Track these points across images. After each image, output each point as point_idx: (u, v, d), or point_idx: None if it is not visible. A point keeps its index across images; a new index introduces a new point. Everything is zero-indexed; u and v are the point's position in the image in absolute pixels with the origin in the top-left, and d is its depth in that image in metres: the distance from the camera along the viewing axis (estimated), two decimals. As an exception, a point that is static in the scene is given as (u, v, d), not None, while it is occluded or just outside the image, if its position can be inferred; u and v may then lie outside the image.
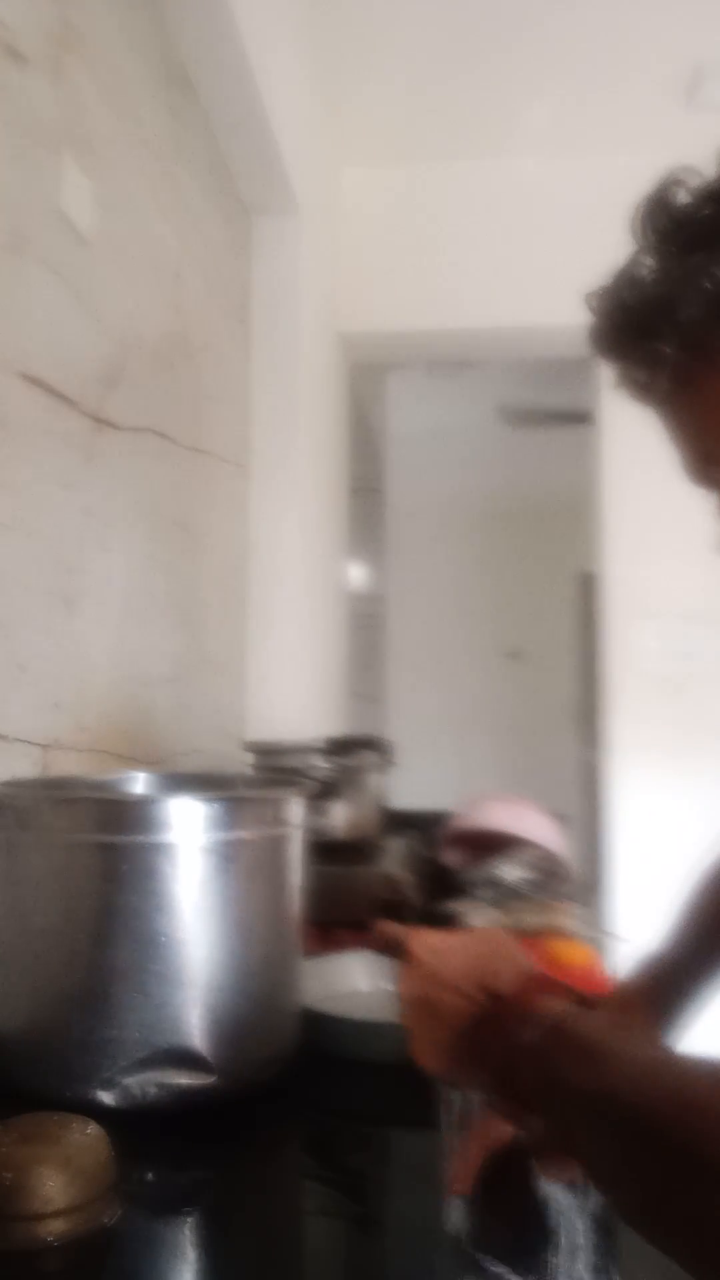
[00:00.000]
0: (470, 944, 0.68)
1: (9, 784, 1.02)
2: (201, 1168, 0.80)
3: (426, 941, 0.67)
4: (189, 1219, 0.74)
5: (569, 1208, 0.59)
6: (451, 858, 1.97)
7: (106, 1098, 0.83)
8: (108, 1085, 0.83)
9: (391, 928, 0.71)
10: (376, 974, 1.21)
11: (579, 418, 3.54)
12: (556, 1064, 0.54)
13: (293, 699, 2.47)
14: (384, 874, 1.65)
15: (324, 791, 1.71)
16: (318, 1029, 0.98)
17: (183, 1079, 0.84)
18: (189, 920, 0.87)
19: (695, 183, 0.63)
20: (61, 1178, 0.65)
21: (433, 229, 3.13)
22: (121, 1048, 0.84)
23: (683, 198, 0.63)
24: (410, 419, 4.92)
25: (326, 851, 1.25)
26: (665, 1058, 0.52)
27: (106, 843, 0.87)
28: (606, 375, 0.69)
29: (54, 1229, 0.64)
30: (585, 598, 3.99)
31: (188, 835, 0.87)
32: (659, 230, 0.63)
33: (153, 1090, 0.84)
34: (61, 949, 0.88)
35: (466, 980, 0.64)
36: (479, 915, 1.63)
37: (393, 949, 0.68)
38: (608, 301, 0.66)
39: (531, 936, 1.58)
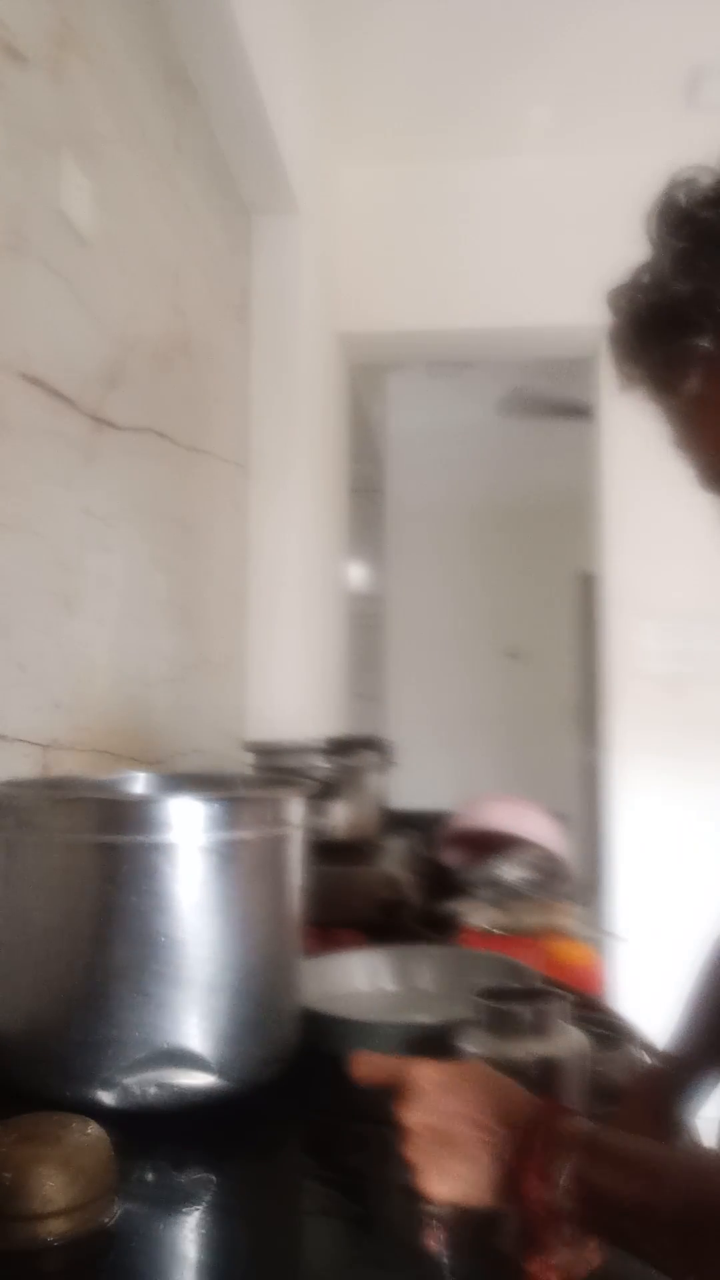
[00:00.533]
0: (474, 1077, 0.65)
1: (9, 784, 1.02)
2: (201, 1168, 0.80)
3: (428, 1075, 0.64)
4: (189, 1219, 0.74)
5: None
6: (451, 858, 1.97)
7: (106, 1098, 0.83)
8: (108, 1085, 0.83)
9: (385, 1061, 0.68)
10: (376, 974, 1.21)
11: (580, 411, 3.53)
12: (599, 1181, 0.56)
13: (293, 699, 2.47)
14: (384, 874, 1.65)
15: (324, 791, 1.71)
16: (318, 1029, 0.98)
17: (183, 1079, 0.84)
18: (189, 920, 0.87)
19: (706, 180, 0.62)
20: (61, 1178, 0.65)
21: (433, 229, 3.13)
22: (121, 1048, 0.83)
23: (698, 196, 0.61)
24: (410, 419, 4.91)
25: (326, 851, 1.25)
26: (704, 1155, 0.56)
27: (106, 843, 0.87)
28: (609, 378, 0.68)
29: (54, 1229, 0.64)
30: (585, 598, 3.99)
31: (188, 835, 0.87)
32: (677, 229, 0.62)
33: (153, 1090, 0.84)
34: (61, 949, 0.88)
35: (483, 1113, 0.62)
36: (479, 915, 1.64)
37: (392, 1083, 0.65)
38: (629, 300, 0.64)
39: (531, 936, 1.58)
